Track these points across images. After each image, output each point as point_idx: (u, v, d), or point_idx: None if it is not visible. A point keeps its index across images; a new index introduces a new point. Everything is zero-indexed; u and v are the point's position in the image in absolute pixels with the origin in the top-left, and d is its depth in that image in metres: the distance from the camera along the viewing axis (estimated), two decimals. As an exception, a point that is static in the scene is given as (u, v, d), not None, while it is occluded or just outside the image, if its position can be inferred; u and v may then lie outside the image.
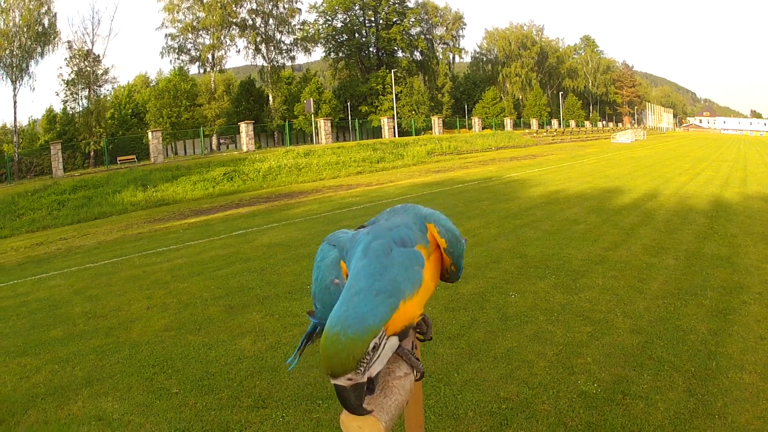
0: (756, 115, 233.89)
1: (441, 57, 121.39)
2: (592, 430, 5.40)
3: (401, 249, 1.70)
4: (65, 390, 7.08)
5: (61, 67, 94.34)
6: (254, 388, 6.69)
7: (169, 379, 7.15)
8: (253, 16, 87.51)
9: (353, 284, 1.60)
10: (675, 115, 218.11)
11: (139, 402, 6.57)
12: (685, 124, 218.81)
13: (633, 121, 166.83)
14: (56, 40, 64.01)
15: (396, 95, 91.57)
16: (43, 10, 61.81)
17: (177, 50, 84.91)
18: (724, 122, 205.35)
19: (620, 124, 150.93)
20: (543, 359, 7.00)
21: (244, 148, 53.10)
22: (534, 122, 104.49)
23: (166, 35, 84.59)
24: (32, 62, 61.79)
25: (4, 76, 60.61)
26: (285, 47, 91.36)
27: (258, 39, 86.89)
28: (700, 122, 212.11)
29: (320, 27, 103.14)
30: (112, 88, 79.13)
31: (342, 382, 1.54)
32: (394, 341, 1.63)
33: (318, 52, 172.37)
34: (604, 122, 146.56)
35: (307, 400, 6.24)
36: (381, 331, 1.56)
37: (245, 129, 53.38)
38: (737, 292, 9.39)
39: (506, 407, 5.86)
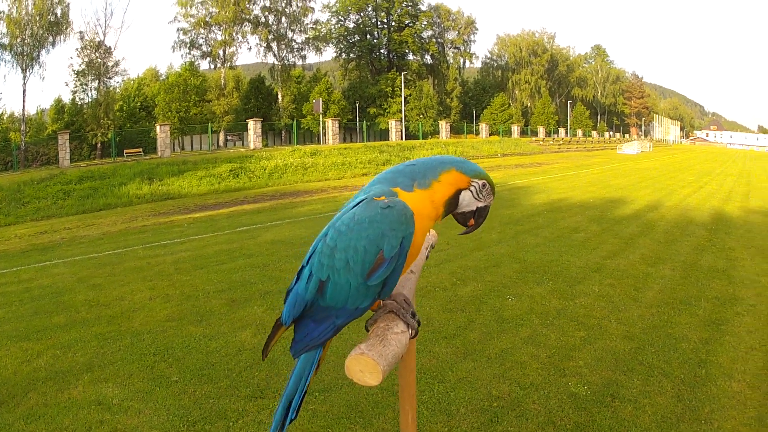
0: (763, 130, 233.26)
1: (451, 61, 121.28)
2: (581, 430, 5.56)
3: None
4: (66, 375, 7.22)
5: (71, 58, 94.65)
6: (253, 378, 6.85)
7: (170, 367, 7.31)
8: (266, 13, 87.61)
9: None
10: (682, 128, 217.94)
11: (139, 388, 6.71)
12: (691, 137, 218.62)
13: (640, 133, 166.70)
14: (68, 30, 64.09)
15: (405, 98, 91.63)
16: (56, 0, 61.94)
17: (189, 45, 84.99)
18: (731, 137, 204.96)
19: (627, 135, 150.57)
20: (536, 361, 7.18)
21: (252, 146, 53.14)
22: (541, 130, 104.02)
23: (178, 29, 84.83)
24: (43, 51, 61.99)
25: (15, 64, 60.81)
26: (296, 46, 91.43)
27: (270, 36, 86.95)
28: (707, 136, 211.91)
29: (332, 27, 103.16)
30: (122, 81, 79.29)
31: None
32: None
33: (329, 52, 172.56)
34: (611, 132, 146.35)
35: (303, 391, 6.34)
36: None
37: (253, 126, 53.42)
38: (731, 304, 9.59)
39: (497, 405, 6.03)
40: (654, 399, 6.18)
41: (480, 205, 2.31)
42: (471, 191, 2.28)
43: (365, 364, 1.86)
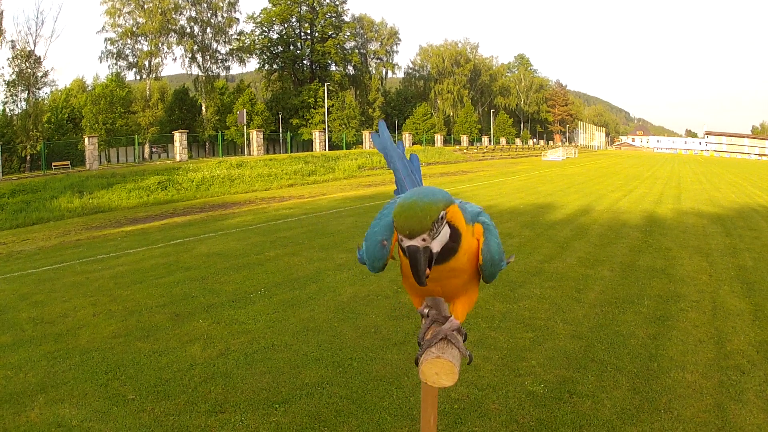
0: (691, 134, 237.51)
1: (374, 72, 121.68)
2: (544, 426, 5.81)
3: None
4: (21, 396, 7.09)
5: (2, 68, 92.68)
6: (209, 393, 6.84)
7: (124, 385, 7.23)
8: (192, 23, 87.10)
9: (413, 190, 1.99)
10: (607, 134, 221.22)
11: (97, 408, 6.62)
12: (617, 143, 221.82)
13: (564, 139, 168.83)
14: (1, 38, 62.96)
15: (328, 109, 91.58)
16: (-8, 8, 60.55)
17: (115, 55, 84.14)
18: (658, 141, 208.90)
19: (551, 142, 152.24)
20: (489, 363, 7.39)
21: (177, 158, 52.42)
22: (464, 139, 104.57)
23: (105, 40, 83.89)
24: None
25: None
26: (220, 57, 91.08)
27: (195, 47, 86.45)
28: (633, 141, 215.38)
29: (256, 38, 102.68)
30: (50, 92, 77.85)
31: (417, 242, 1.86)
32: (447, 231, 1.95)
33: (252, 63, 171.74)
34: (534, 140, 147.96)
35: (263, 404, 6.45)
36: (443, 211, 1.92)
37: (179, 138, 52.70)
38: (674, 301, 10.05)
39: (458, 407, 6.21)
40: (611, 393, 6.47)
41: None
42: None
43: (441, 366, 2.01)
